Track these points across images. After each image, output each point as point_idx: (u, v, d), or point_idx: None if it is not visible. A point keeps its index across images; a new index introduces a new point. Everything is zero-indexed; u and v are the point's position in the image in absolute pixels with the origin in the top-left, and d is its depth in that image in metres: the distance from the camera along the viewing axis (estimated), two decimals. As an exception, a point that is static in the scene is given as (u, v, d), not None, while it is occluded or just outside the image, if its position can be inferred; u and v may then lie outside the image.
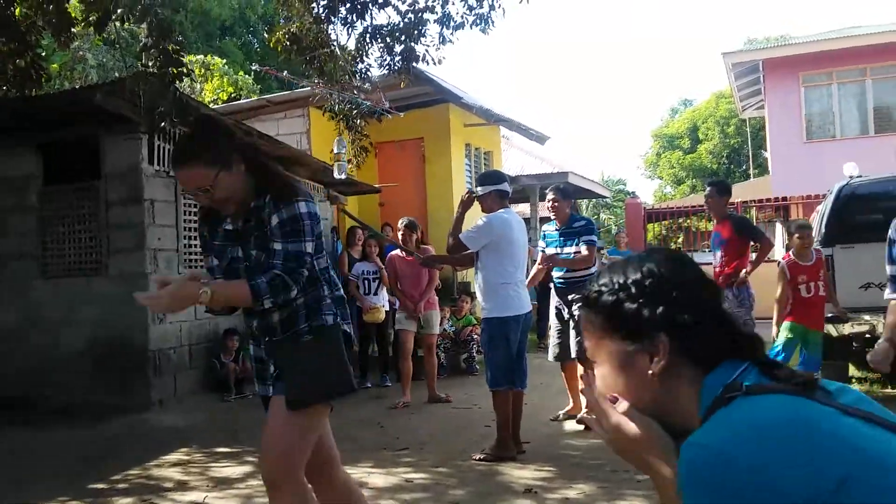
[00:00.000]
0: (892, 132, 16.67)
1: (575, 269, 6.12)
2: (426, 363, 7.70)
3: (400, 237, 7.62)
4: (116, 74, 15.73)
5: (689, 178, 37.46)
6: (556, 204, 6.27)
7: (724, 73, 19.36)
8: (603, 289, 1.29)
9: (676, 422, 1.24)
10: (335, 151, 9.33)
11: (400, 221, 7.80)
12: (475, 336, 9.17)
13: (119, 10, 6.37)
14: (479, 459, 5.10)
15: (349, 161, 9.55)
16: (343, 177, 9.27)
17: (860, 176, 7.06)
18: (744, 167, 35.13)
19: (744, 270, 6.56)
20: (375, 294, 8.48)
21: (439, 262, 7.08)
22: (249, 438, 6.10)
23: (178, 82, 6.71)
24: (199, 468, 5.28)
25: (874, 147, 15.85)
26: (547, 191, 6.63)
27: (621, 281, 1.27)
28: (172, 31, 6.49)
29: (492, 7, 8.04)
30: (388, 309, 8.63)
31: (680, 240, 18.65)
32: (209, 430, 6.52)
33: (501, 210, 5.38)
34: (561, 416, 6.38)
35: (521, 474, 4.78)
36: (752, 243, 6.86)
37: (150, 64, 6.48)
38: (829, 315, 6.57)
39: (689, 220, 17.20)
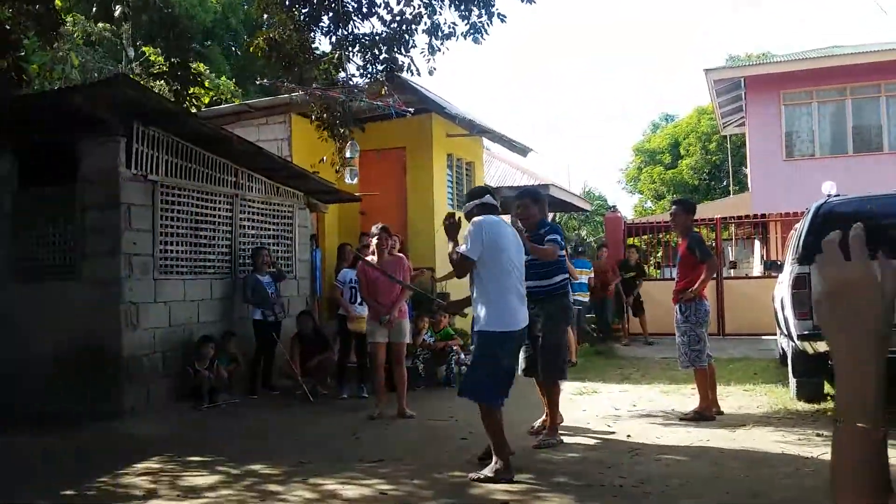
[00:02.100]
0: (870, 152, 16.89)
1: (545, 277, 5.88)
2: (396, 374, 7.45)
3: (375, 244, 7.41)
4: (96, 76, 15.61)
5: (669, 193, 37.63)
6: (525, 209, 6.03)
7: (706, 89, 19.51)
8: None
9: None
10: (347, 156, 9.34)
11: (374, 227, 7.61)
12: (454, 349, 9.12)
13: (118, 10, 6.30)
14: (476, 480, 4.84)
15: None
16: (354, 181, 9.26)
17: (838, 195, 7.11)
18: (724, 183, 35.40)
19: (690, 290, 6.60)
20: (361, 304, 8.39)
21: (461, 304, 6.20)
22: (222, 447, 6.02)
23: (188, 87, 6.66)
24: (169, 477, 5.19)
25: (853, 166, 16.06)
26: (514, 196, 6.49)
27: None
28: (178, 23, 6.42)
29: (489, 15, 7.95)
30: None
31: (659, 254, 18.73)
32: (181, 439, 6.42)
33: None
34: (536, 427, 6.32)
35: (495, 487, 4.74)
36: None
37: (170, 84, 6.42)
38: (805, 332, 6.59)
39: (668, 235, 17.26)
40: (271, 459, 5.57)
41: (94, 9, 6.33)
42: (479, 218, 5.09)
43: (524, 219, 6.05)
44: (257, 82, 11.03)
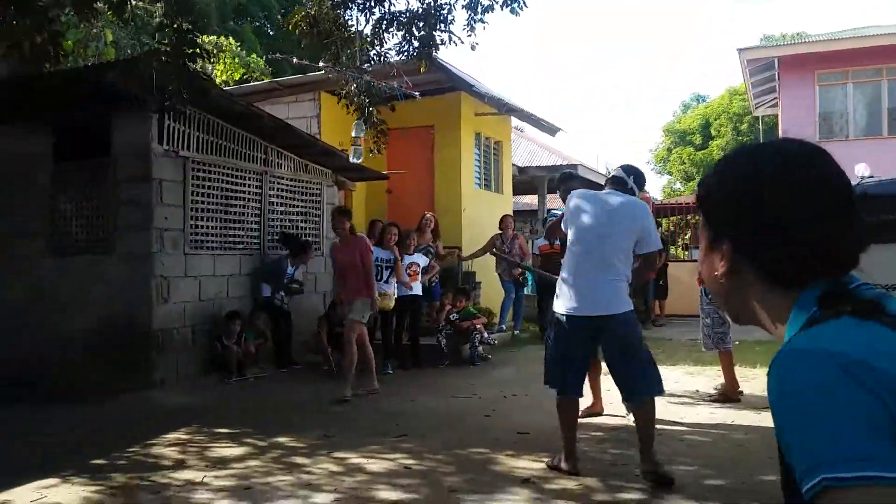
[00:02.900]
0: (905, 134, 16.56)
1: None
2: (360, 353, 7.17)
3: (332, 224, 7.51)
4: (129, 52, 15.73)
5: (699, 174, 37.22)
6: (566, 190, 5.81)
7: (738, 69, 19.22)
8: (708, 176, 1.16)
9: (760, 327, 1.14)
10: (354, 135, 9.32)
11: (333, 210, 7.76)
12: (478, 327, 9.17)
13: None
14: (549, 466, 4.66)
15: (370, 149, 9.49)
16: (359, 161, 9.27)
17: (871, 177, 7.01)
18: (755, 165, 34.85)
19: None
20: (386, 282, 8.49)
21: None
22: (249, 420, 6.13)
23: (191, 62, 6.69)
24: (197, 448, 5.30)
25: (888, 148, 15.76)
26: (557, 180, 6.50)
27: (716, 171, 1.14)
28: (191, 8, 6.47)
29: None
30: (397, 296, 8.69)
31: (688, 236, 18.59)
32: (209, 411, 6.55)
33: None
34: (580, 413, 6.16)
35: (519, 464, 4.79)
36: None
37: (165, 42, 6.47)
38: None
39: (696, 217, 17.15)
40: (297, 432, 5.66)
41: None
42: (571, 193, 4.86)
43: None
44: (293, 60, 11.00)
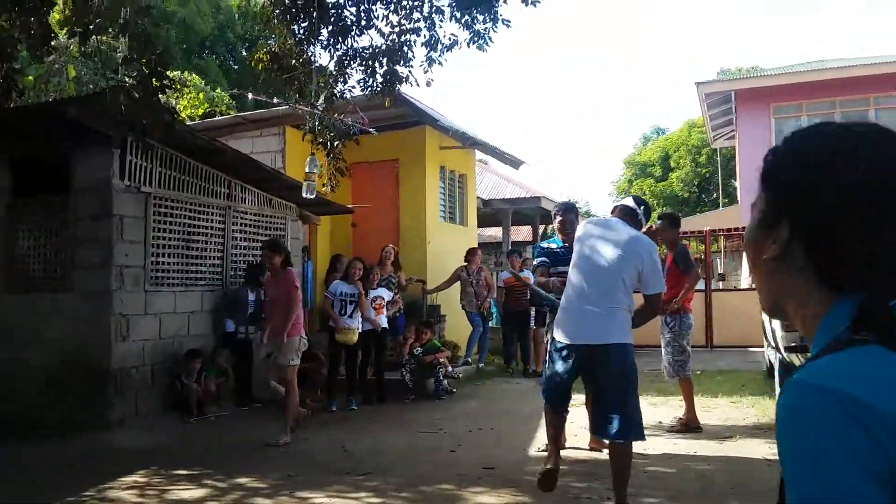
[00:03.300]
0: (858, 166, 17.01)
1: None
2: (286, 396, 6.93)
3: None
4: (91, 87, 15.63)
5: (660, 205, 37.81)
6: (564, 222, 5.95)
7: (696, 102, 19.66)
8: (778, 149, 1.04)
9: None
10: (307, 171, 9.30)
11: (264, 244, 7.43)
12: (441, 361, 9.14)
13: (98, 21, 6.35)
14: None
15: (324, 184, 9.50)
16: (312, 196, 9.25)
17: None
18: (714, 196, 35.61)
19: (673, 300, 6.68)
20: (350, 317, 8.49)
21: None
22: (209, 461, 6.02)
23: (160, 95, 6.68)
24: (156, 490, 5.19)
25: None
26: (554, 207, 6.39)
27: (790, 146, 1.03)
28: (158, 43, 6.48)
29: (494, 21, 7.91)
30: (361, 331, 8.67)
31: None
32: (169, 452, 6.41)
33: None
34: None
35: (485, 500, 4.77)
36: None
37: (134, 75, 6.45)
38: (792, 344, 6.66)
39: (660, 248, 17.40)
40: (259, 472, 5.58)
41: (77, 34, 6.36)
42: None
43: (564, 230, 5.96)
44: (249, 97, 10.98)
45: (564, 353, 4.50)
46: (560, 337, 4.52)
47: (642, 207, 4.82)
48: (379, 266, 9.74)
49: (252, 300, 8.77)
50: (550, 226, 25.47)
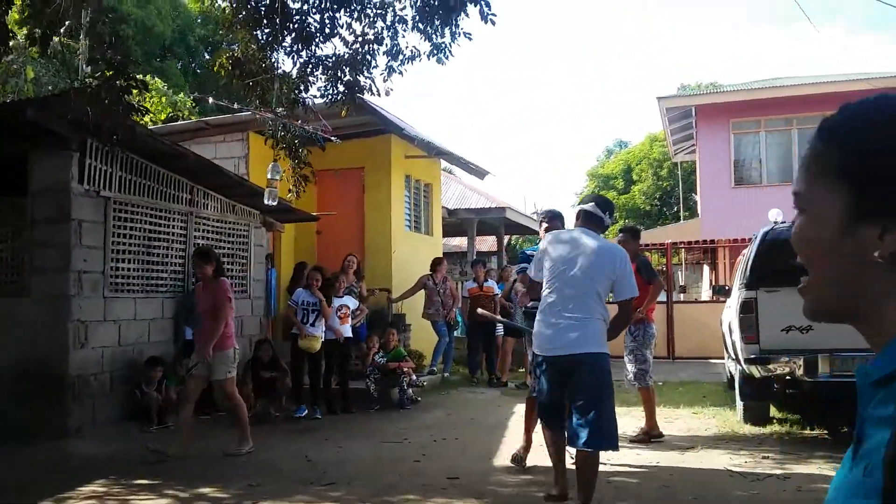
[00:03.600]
0: (814, 181, 17.39)
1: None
2: (231, 409, 6.74)
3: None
4: (51, 89, 15.34)
5: (622, 217, 38.25)
6: (550, 229, 5.67)
7: (658, 116, 19.95)
8: (863, 127, 0.85)
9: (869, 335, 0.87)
10: (269, 177, 9.21)
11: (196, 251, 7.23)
12: (405, 370, 9.10)
13: (67, 23, 6.23)
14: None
15: (289, 190, 9.41)
16: (273, 203, 9.17)
17: (784, 222, 7.33)
18: (675, 209, 36.12)
19: (638, 309, 6.76)
20: (313, 325, 8.47)
21: None
22: (170, 470, 5.91)
23: (126, 95, 6.56)
24: (116, 501, 5.08)
25: (798, 195, 16.52)
26: (540, 214, 6.40)
27: (881, 124, 0.83)
28: (122, 44, 6.37)
29: (454, 35, 7.93)
30: (324, 340, 8.62)
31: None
32: (128, 461, 6.27)
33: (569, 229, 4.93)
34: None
35: (449, 511, 4.74)
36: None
37: (97, 76, 6.32)
38: (752, 356, 6.76)
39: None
40: (221, 482, 5.49)
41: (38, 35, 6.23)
42: (547, 236, 4.91)
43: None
44: (210, 101, 10.82)
45: (544, 366, 4.54)
46: (537, 350, 4.59)
47: (607, 212, 4.83)
48: (343, 276, 9.68)
49: None
50: (515, 236, 25.60)
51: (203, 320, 6.70)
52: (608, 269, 4.54)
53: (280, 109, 8.55)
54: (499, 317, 10.06)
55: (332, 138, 10.15)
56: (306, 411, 8.41)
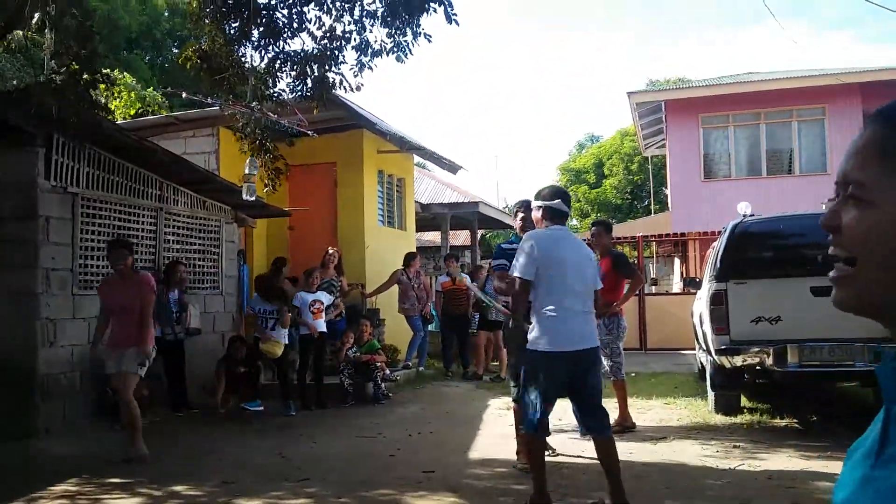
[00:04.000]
0: (783, 174, 17.68)
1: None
2: (122, 410, 6.26)
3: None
4: (16, 83, 15.04)
5: (594, 211, 38.52)
6: (527, 219, 5.50)
7: (628, 111, 20.09)
8: None
9: None
10: (246, 172, 9.14)
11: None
12: (378, 365, 9.09)
13: (35, 16, 6.12)
14: None
15: (266, 185, 9.33)
16: (252, 199, 9.10)
17: (753, 215, 7.43)
18: (646, 203, 36.45)
19: (615, 303, 6.86)
20: (273, 329, 8.50)
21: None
22: (142, 468, 5.85)
23: (91, 90, 6.46)
24: (87, 500, 5.02)
25: (767, 187, 16.78)
26: (515, 205, 5.93)
27: None
28: (91, 37, 6.26)
29: (415, 35, 7.94)
30: (299, 335, 8.68)
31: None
32: (100, 460, 6.19)
33: (549, 228, 4.82)
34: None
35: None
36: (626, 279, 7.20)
37: (62, 70, 6.22)
38: (723, 347, 6.85)
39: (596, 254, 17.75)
40: (195, 480, 5.45)
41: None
42: (531, 234, 4.79)
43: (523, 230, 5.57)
44: (183, 95, 10.63)
45: (557, 364, 4.47)
46: (563, 346, 4.48)
47: (569, 207, 4.94)
48: (321, 269, 9.66)
49: (174, 300, 8.54)
50: (488, 230, 25.65)
51: (119, 317, 6.16)
52: (592, 264, 4.88)
53: (255, 104, 8.47)
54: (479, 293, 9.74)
55: (309, 132, 10.10)
56: (261, 407, 8.28)
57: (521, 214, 5.69)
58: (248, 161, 8.92)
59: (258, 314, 8.64)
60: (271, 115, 9.01)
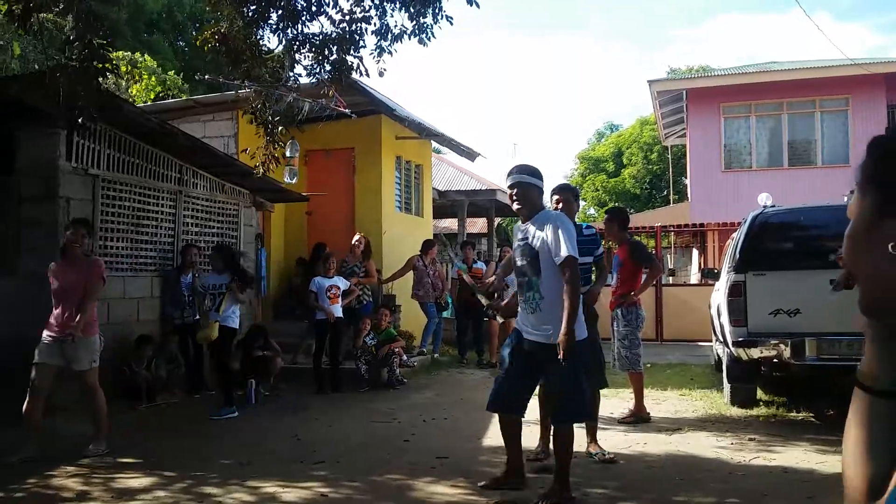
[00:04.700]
0: (804, 165, 17.48)
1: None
2: (90, 403, 5.94)
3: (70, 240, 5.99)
4: (37, 66, 15.15)
5: (612, 200, 38.34)
6: (562, 201, 5.52)
7: (648, 100, 19.93)
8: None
9: None
10: (288, 155, 9.17)
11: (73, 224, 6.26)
12: (396, 351, 9.11)
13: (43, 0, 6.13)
14: None
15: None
16: (293, 181, 9.10)
17: (773, 206, 7.35)
18: (665, 192, 36.19)
19: (633, 292, 6.81)
20: (216, 310, 7.60)
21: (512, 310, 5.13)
22: (158, 448, 5.91)
23: (102, 78, 6.48)
24: (101, 478, 5.08)
25: (788, 178, 16.60)
26: (552, 189, 5.73)
27: None
28: (100, 23, 6.26)
29: (435, 17, 7.89)
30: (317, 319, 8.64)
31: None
32: (115, 439, 6.26)
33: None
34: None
35: (437, 490, 4.77)
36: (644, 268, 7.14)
37: (74, 57, 6.24)
38: (740, 339, 6.80)
39: (608, 242, 17.64)
40: (209, 460, 5.49)
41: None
42: (560, 215, 4.75)
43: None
44: (198, 77, 10.63)
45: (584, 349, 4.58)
46: (584, 335, 4.57)
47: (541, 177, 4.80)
48: (350, 254, 9.75)
49: (187, 283, 8.58)
50: (506, 218, 25.57)
51: (65, 300, 5.85)
52: None
53: (282, 83, 8.44)
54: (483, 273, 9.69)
55: (348, 111, 10.07)
56: (235, 413, 7.38)
57: (556, 196, 5.59)
58: (289, 143, 8.88)
59: (207, 291, 7.77)
60: (303, 97, 8.96)
